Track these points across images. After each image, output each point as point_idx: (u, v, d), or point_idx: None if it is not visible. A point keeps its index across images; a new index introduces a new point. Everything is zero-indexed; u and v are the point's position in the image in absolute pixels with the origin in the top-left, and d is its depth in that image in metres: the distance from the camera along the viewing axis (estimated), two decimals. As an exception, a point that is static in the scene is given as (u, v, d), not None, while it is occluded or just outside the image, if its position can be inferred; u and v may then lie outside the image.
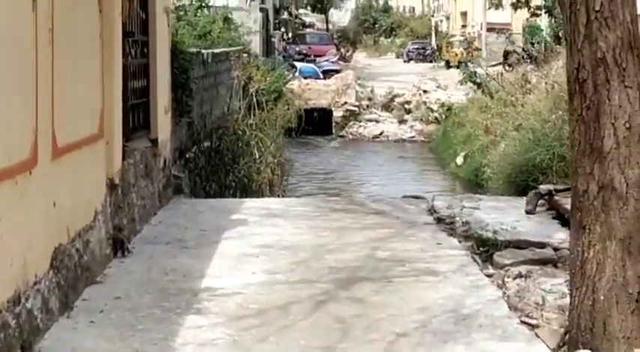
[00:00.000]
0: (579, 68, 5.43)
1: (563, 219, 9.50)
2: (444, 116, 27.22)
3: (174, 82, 11.16)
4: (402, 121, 29.14)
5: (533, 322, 6.25)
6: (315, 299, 6.62)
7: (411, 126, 28.72)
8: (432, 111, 27.90)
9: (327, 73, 35.08)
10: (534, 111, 14.49)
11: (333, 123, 29.63)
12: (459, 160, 20.22)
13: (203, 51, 14.65)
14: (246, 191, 12.13)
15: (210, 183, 11.83)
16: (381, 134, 28.78)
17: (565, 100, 14.38)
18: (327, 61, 39.76)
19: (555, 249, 8.59)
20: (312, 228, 9.28)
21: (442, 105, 27.37)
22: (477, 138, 19.92)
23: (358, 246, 8.42)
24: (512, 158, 14.01)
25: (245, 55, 26.81)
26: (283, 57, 40.90)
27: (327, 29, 73.69)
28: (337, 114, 29.68)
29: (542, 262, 8.01)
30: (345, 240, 8.74)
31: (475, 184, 18.25)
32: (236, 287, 6.92)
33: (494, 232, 8.85)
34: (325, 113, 29.88)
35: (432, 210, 10.24)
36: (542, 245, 8.71)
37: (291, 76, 28.71)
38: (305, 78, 32.61)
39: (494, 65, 30.86)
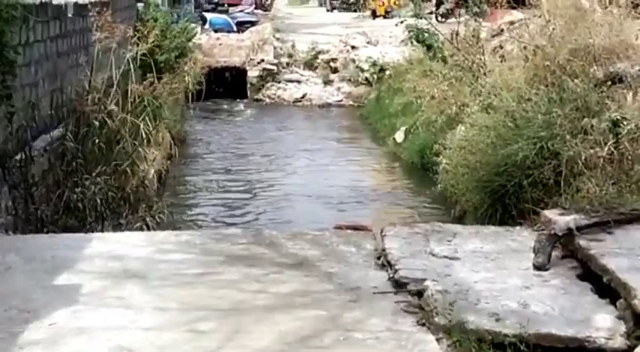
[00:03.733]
0: None
1: (595, 279, 5.89)
2: (375, 77, 23.39)
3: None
4: (327, 82, 25.11)
5: None
6: None
7: (338, 88, 24.74)
8: (362, 70, 23.96)
9: (242, 26, 30.81)
10: (506, 84, 10.77)
11: (248, 85, 25.46)
12: (399, 136, 16.48)
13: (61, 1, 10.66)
14: (103, 214, 8.16)
15: (48, 203, 7.85)
16: (303, 97, 24.77)
17: (551, 72, 10.82)
18: (241, 11, 35.39)
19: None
20: (186, 311, 5.45)
21: (374, 64, 23.48)
22: (420, 109, 16.20)
23: (262, 367, 4.64)
24: (480, 150, 10.28)
25: (140, 4, 22.65)
26: (196, 7, 36.42)
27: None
28: (252, 73, 25.45)
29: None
30: (239, 344, 4.94)
31: (421, 169, 14.56)
32: None
33: (496, 318, 5.19)
34: (238, 73, 25.69)
35: (382, 259, 6.50)
36: (579, 344, 5.10)
37: (197, 29, 24.42)
38: (216, 31, 28.35)
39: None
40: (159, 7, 24.95)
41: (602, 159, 8.57)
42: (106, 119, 9.04)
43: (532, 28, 11.44)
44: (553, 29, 10.72)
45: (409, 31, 14.83)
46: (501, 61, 11.56)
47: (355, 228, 7.43)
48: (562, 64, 10.24)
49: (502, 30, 18.63)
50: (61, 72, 10.14)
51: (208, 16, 31.43)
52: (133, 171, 9.37)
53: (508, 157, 9.37)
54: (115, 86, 10.53)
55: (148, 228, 8.26)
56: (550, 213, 7.07)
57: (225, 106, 24.24)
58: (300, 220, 11.27)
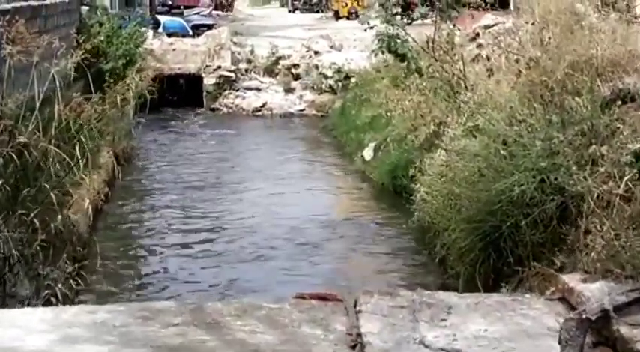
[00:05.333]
0: None
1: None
2: (340, 84, 21.88)
3: None
4: (288, 90, 23.50)
5: None
6: None
7: (300, 97, 23.15)
8: (326, 77, 22.43)
9: (198, 29, 29.09)
10: (495, 102, 9.25)
11: (204, 93, 23.78)
12: (368, 154, 14.95)
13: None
14: (4, 277, 6.51)
15: None
16: (263, 106, 23.14)
17: (549, 88, 9.33)
18: (197, 14, 33.63)
19: None
20: None
21: (338, 71, 21.96)
22: (390, 122, 14.76)
23: None
24: (465, 180, 8.76)
25: (85, 8, 21.00)
26: (151, 11, 34.58)
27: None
28: (209, 81, 23.78)
29: None
30: None
31: (393, 192, 13.07)
32: None
33: None
34: (194, 80, 24.02)
35: (358, 350, 4.95)
36: None
37: (147, 34, 22.71)
38: (169, 35, 26.66)
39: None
40: (107, 10, 23.30)
41: (617, 197, 7.10)
42: (15, 153, 7.36)
43: (522, 35, 9.92)
44: (549, 38, 9.24)
45: (379, 40, 13.28)
46: (489, 76, 10.03)
47: (321, 298, 5.86)
48: (561, 79, 8.76)
49: (477, 34, 17.23)
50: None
51: (162, 19, 29.73)
52: (52, 213, 7.72)
53: (502, 192, 7.88)
54: (36, 109, 8.89)
55: (57, 299, 6.60)
56: (570, 280, 5.59)
57: (179, 117, 22.58)
58: (255, 273, 9.65)
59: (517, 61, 9.29)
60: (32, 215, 7.00)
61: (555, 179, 7.60)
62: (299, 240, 10.88)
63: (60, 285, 6.65)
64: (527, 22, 9.92)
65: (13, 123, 8.02)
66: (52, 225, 7.34)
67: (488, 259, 8.05)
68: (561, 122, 8.16)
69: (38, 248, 6.94)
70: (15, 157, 7.35)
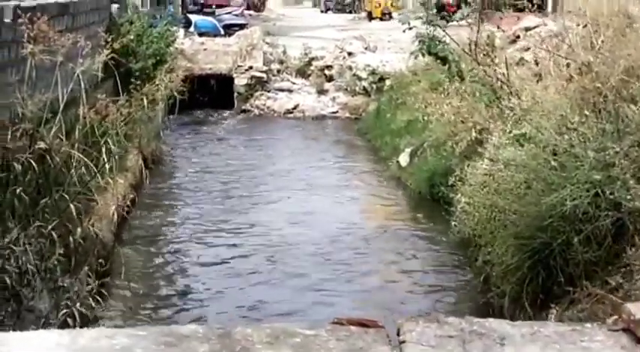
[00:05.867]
0: None
1: None
2: (374, 87, 21.36)
3: None
4: (321, 91, 23.02)
5: None
6: None
7: (333, 99, 22.67)
8: (360, 79, 21.92)
9: (230, 29, 28.71)
10: (543, 109, 8.70)
11: (235, 94, 23.37)
12: (404, 160, 14.43)
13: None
14: (18, 295, 6.07)
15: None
16: (295, 108, 22.68)
17: (603, 95, 8.79)
18: (229, 13, 33.25)
19: None
20: None
21: (373, 72, 21.44)
22: (427, 127, 14.21)
23: None
24: (510, 191, 8.24)
25: (115, 6, 20.61)
26: (183, 10, 34.23)
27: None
28: (240, 82, 23.36)
29: None
30: None
31: (430, 200, 12.55)
32: None
33: None
34: (225, 81, 23.61)
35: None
36: None
37: (178, 33, 22.35)
38: (201, 35, 26.28)
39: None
40: (138, 8, 22.98)
41: (680, 214, 6.59)
42: (35, 159, 6.93)
43: (572, 38, 9.36)
44: (602, 41, 8.68)
45: (419, 41, 12.72)
46: (537, 81, 9.48)
47: (361, 324, 5.34)
48: (615, 86, 8.20)
49: (518, 37, 16.69)
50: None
51: (193, 18, 29.36)
52: (74, 222, 7.29)
53: (553, 207, 7.34)
54: (59, 112, 8.47)
55: (75, 321, 6.16)
56: (637, 310, 5.03)
57: (209, 119, 22.14)
58: (286, 292, 9.13)
59: (568, 65, 8.73)
60: (51, 226, 6.57)
61: (611, 193, 7.09)
62: (332, 255, 10.31)
63: (78, 304, 6.22)
64: (577, 25, 9.35)
65: (34, 126, 7.59)
66: (71, 238, 6.89)
67: (536, 278, 7.53)
68: (616, 131, 7.63)
69: (56, 262, 6.52)
70: (34, 164, 6.93)
